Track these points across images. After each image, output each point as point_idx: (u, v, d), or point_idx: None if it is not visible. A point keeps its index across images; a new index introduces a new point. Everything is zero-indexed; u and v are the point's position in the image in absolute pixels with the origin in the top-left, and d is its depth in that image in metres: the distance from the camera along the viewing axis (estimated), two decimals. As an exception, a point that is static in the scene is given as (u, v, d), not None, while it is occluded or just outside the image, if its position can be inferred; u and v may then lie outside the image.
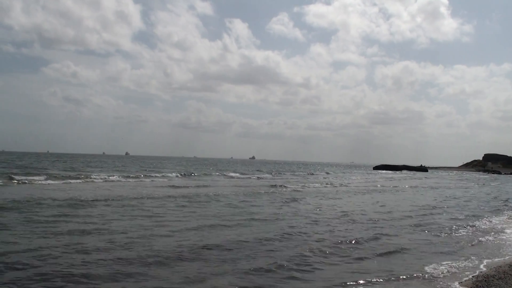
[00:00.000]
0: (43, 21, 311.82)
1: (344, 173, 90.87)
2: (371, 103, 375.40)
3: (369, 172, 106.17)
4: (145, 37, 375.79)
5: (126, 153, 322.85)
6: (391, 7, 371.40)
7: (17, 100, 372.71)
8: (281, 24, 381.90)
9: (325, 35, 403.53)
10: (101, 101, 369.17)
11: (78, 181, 35.59)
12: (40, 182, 32.98)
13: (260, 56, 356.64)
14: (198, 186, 34.86)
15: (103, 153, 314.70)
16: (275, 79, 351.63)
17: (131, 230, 13.91)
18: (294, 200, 26.39)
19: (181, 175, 51.73)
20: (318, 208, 22.71)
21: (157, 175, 48.56)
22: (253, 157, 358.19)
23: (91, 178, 38.04)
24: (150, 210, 18.85)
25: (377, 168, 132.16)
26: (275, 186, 38.36)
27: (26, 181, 32.41)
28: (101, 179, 38.52)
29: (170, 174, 50.92)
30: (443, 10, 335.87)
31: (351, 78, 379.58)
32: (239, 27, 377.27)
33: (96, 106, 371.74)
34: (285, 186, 38.27)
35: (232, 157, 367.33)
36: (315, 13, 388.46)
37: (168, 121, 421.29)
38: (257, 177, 56.69)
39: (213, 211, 19.42)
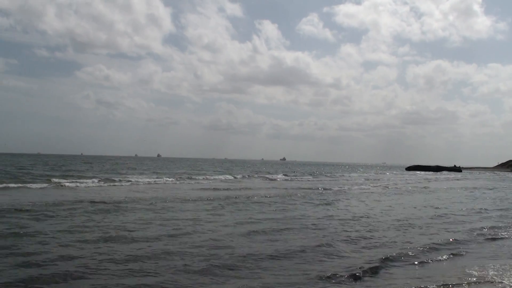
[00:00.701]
0: (76, 25, 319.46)
1: (383, 173, 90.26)
2: (403, 103, 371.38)
3: (403, 172, 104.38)
4: (176, 40, 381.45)
5: (158, 155, 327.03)
6: (422, 6, 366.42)
7: (51, 103, 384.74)
8: (311, 24, 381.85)
9: (356, 35, 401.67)
10: (133, 104, 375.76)
11: (125, 183, 36.36)
12: (88, 185, 33.68)
13: (290, 57, 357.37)
14: (243, 189, 34.79)
15: (135, 155, 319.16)
16: (305, 80, 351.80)
17: (182, 233, 13.99)
18: (344, 201, 26.29)
19: (223, 177, 51.86)
20: (370, 210, 22.41)
21: (199, 177, 49.03)
22: (284, 158, 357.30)
23: (136, 181, 38.76)
24: (199, 213, 18.98)
25: (410, 168, 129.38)
26: (320, 188, 37.99)
27: (75, 184, 33.21)
28: (146, 181, 39.25)
29: (214, 177, 51.25)
30: (476, 7, 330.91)
31: (382, 78, 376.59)
32: (269, 28, 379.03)
33: (128, 108, 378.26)
34: (330, 188, 37.96)
35: (262, 159, 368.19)
36: (345, 13, 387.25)
37: (199, 123, 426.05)
38: (300, 179, 56.61)
39: (265, 215, 19.26)
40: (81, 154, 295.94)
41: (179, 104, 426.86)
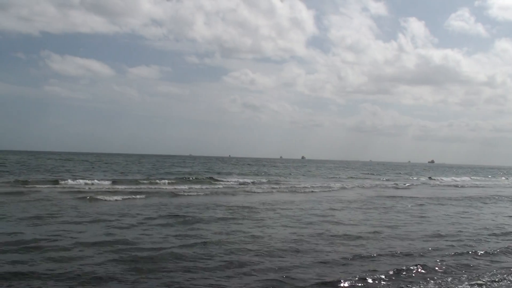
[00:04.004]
0: (223, 32, 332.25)
1: None
2: None
3: None
4: (319, 42, 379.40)
5: (302, 157, 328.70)
6: None
7: (201, 107, 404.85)
8: (461, 20, 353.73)
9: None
10: (277, 107, 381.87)
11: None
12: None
13: (438, 55, 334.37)
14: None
15: (280, 157, 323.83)
16: (455, 78, 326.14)
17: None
18: None
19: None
20: None
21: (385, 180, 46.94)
22: (432, 161, 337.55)
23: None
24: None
25: None
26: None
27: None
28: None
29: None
30: None
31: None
32: (415, 25, 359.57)
33: (273, 111, 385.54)
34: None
35: (409, 161, 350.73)
36: (500, 5, 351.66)
37: (343, 124, 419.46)
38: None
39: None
40: (229, 156, 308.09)
41: (323, 106, 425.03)
